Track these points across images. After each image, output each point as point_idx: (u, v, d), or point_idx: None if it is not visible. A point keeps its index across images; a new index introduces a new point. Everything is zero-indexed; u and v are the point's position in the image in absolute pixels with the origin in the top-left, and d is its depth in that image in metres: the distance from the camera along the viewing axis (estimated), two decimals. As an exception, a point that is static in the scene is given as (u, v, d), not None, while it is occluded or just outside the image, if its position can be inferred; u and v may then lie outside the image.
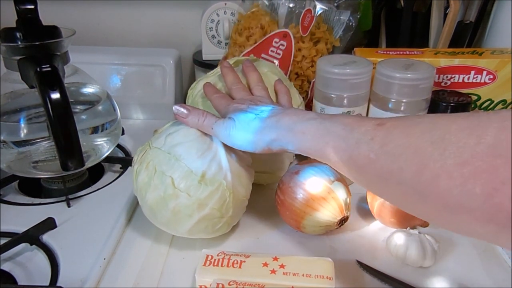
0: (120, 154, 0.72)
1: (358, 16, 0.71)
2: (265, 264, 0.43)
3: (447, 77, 0.64)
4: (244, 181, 0.49)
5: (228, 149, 0.48)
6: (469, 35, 0.77)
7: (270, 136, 0.43)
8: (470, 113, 0.30)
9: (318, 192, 0.49)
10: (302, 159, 0.62)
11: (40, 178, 0.63)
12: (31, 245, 0.50)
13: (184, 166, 0.45)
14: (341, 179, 0.52)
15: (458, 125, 0.29)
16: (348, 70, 0.55)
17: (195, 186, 0.45)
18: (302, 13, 0.68)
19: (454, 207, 0.28)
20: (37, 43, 0.51)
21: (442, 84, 0.64)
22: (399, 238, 0.48)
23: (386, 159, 0.32)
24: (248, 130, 0.44)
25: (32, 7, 0.51)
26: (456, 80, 0.64)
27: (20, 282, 0.46)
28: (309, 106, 0.66)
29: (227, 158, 0.47)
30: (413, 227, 0.51)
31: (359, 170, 0.35)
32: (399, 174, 0.31)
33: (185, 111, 0.47)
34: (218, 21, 0.79)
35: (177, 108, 0.48)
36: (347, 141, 0.36)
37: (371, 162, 0.33)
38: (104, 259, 0.48)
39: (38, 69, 0.48)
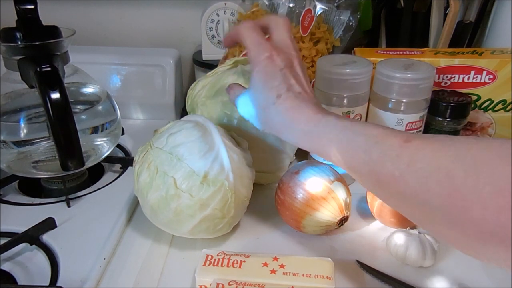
0: (120, 154, 0.72)
1: (358, 16, 0.72)
2: (265, 264, 0.43)
3: (447, 77, 0.64)
4: (246, 181, 0.49)
5: (230, 149, 0.48)
6: (469, 35, 0.77)
7: (280, 130, 0.42)
8: (504, 140, 0.29)
9: (318, 192, 0.49)
10: (302, 159, 0.62)
11: (40, 178, 0.63)
12: (31, 245, 0.50)
13: (186, 167, 0.45)
14: (341, 179, 0.52)
15: (492, 152, 0.28)
16: (348, 70, 0.55)
17: (197, 186, 0.45)
18: (302, 13, 0.68)
19: (486, 236, 0.27)
20: (37, 43, 0.51)
21: (442, 84, 0.64)
22: (399, 238, 0.48)
23: (412, 179, 0.31)
24: (263, 110, 0.43)
25: (32, 7, 0.51)
26: (456, 80, 0.64)
27: (20, 282, 0.46)
28: (309, 106, 0.66)
29: (229, 159, 0.47)
30: (413, 227, 0.51)
31: (381, 185, 0.34)
32: (425, 196, 0.30)
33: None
34: (218, 21, 0.79)
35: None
36: (370, 154, 0.34)
37: (395, 179, 0.32)
38: (104, 259, 0.48)
39: (38, 69, 0.48)
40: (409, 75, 0.55)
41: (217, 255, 0.44)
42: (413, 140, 0.33)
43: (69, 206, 0.57)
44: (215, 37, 0.81)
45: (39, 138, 0.56)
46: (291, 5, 0.69)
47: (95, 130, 0.59)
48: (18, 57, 0.51)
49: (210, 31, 0.81)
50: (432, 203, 0.30)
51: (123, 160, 0.68)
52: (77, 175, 0.63)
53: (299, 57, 0.45)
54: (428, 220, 0.32)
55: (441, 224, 0.30)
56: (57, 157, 0.49)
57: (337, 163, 0.38)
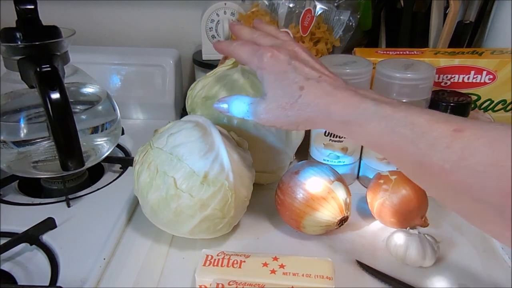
0: (120, 154, 0.72)
1: (358, 16, 0.72)
2: (265, 264, 0.43)
3: (447, 77, 0.63)
4: (246, 181, 0.49)
5: (230, 149, 0.48)
6: (469, 35, 0.77)
7: (314, 120, 0.39)
8: None
9: (318, 192, 0.49)
10: (302, 159, 0.62)
11: (40, 178, 0.63)
12: (31, 245, 0.50)
13: (186, 167, 0.45)
14: (341, 179, 0.52)
15: None
16: (348, 70, 0.55)
17: (197, 186, 0.45)
18: (302, 13, 0.68)
19: None
20: (37, 43, 0.51)
21: (442, 84, 0.64)
22: (399, 238, 0.48)
23: (464, 173, 0.29)
24: (288, 110, 0.39)
25: (32, 7, 0.51)
26: (456, 80, 0.63)
27: (20, 282, 0.46)
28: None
29: (229, 159, 0.47)
30: (413, 227, 0.51)
31: (427, 178, 0.32)
32: (479, 193, 0.28)
33: (225, 107, 0.45)
34: (218, 21, 0.79)
35: (218, 106, 0.45)
36: (417, 145, 0.32)
37: (444, 172, 0.30)
38: (104, 259, 0.48)
39: (38, 69, 0.48)
40: (409, 75, 0.54)
41: (217, 255, 0.44)
42: (465, 130, 0.30)
43: (69, 206, 0.57)
44: (215, 37, 0.81)
45: (39, 138, 0.56)
46: (291, 5, 0.69)
47: (95, 130, 0.59)
48: (18, 57, 0.51)
49: (210, 31, 0.80)
50: (487, 201, 0.28)
51: (123, 160, 0.68)
52: (77, 175, 0.63)
53: (300, 45, 0.43)
54: (480, 218, 0.31)
55: (496, 223, 0.29)
56: (57, 157, 0.49)
57: (379, 152, 0.36)
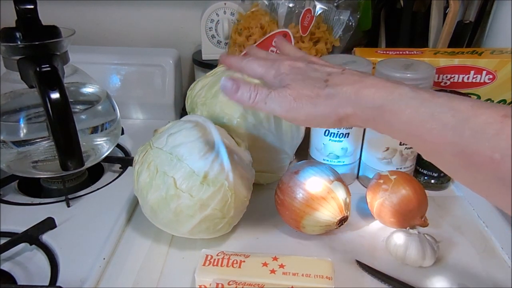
0: (120, 154, 0.72)
1: (358, 16, 0.71)
2: (265, 264, 0.43)
3: (446, 77, 0.63)
4: (246, 181, 0.49)
5: (230, 149, 0.48)
6: (468, 35, 0.77)
7: (345, 110, 0.35)
8: None
9: (318, 192, 0.49)
10: (302, 159, 0.62)
11: (39, 178, 0.63)
12: (30, 245, 0.50)
13: (186, 167, 0.45)
14: (341, 179, 0.52)
15: None
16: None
17: (197, 186, 0.45)
18: (302, 13, 0.68)
19: None
20: (36, 43, 0.51)
21: (442, 84, 0.64)
22: (399, 238, 0.48)
23: None
24: (314, 100, 0.36)
25: (32, 7, 0.51)
26: (455, 80, 0.63)
27: (20, 282, 0.46)
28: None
29: (229, 159, 0.47)
30: (412, 227, 0.51)
31: (471, 170, 0.30)
32: None
33: (234, 85, 0.39)
34: (218, 21, 0.79)
35: (224, 84, 0.39)
36: (459, 132, 0.29)
37: (493, 162, 0.28)
38: (104, 259, 0.48)
39: (37, 69, 0.48)
40: (408, 75, 0.54)
41: (217, 255, 0.44)
42: None
43: (68, 206, 0.57)
44: (215, 37, 0.81)
45: (38, 138, 0.56)
46: (290, 5, 0.69)
47: (94, 130, 0.59)
48: (18, 57, 0.51)
49: (209, 31, 0.80)
50: None
51: (123, 160, 0.68)
52: (76, 175, 0.63)
53: (313, 57, 0.43)
54: None
55: None
56: (56, 157, 0.49)
57: (414, 143, 0.34)
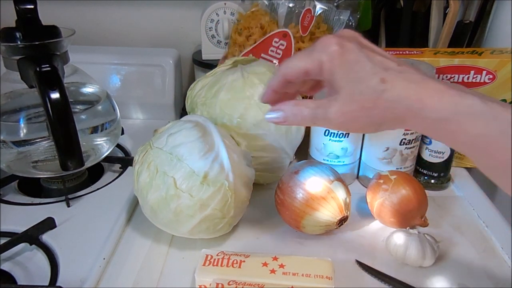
0: (120, 154, 0.72)
1: (358, 16, 0.71)
2: (265, 264, 0.43)
3: (446, 77, 0.63)
4: (246, 181, 0.49)
5: (230, 149, 0.48)
6: (468, 35, 0.77)
7: (404, 121, 0.33)
8: None
9: (318, 191, 0.49)
10: (302, 159, 0.62)
11: (39, 178, 0.63)
12: (30, 245, 0.50)
13: (186, 167, 0.45)
14: (341, 179, 0.52)
15: None
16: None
17: (197, 186, 0.45)
18: (302, 13, 0.68)
19: None
20: (36, 43, 0.51)
21: (442, 84, 0.64)
22: (399, 238, 0.48)
23: None
24: (371, 112, 0.33)
25: (32, 7, 0.51)
26: (455, 80, 0.63)
27: (20, 282, 0.46)
28: (308, 106, 0.66)
29: (229, 159, 0.47)
30: (412, 227, 0.51)
31: None
32: None
33: (280, 115, 0.37)
34: (218, 21, 0.79)
35: (270, 117, 0.38)
36: None
37: None
38: (104, 259, 0.48)
39: (37, 69, 0.48)
40: None
41: (217, 255, 0.44)
42: None
43: (68, 206, 0.57)
44: (215, 37, 0.81)
45: (38, 138, 0.56)
46: (290, 5, 0.69)
47: (94, 130, 0.59)
48: (18, 57, 0.51)
49: (209, 31, 0.80)
50: None
51: (123, 160, 0.68)
52: (76, 175, 0.63)
53: (361, 35, 0.37)
54: None
55: None
56: (56, 157, 0.49)
57: (480, 159, 0.31)
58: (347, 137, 0.59)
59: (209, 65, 0.80)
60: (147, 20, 0.92)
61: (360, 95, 0.33)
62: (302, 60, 0.36)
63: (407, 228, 0.50)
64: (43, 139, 0.56)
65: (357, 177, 0.65)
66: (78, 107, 0.59)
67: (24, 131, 0.55)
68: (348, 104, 0.34)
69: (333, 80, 0.34)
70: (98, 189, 0.61)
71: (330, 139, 0.59)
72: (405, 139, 0.58)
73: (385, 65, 0.33)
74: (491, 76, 0.62)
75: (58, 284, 0.44)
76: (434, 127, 0.32)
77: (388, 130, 0.35)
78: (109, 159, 0.66)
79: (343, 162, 0.61)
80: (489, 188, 0.64)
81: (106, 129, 0.60)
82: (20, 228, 0.51)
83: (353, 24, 0.71)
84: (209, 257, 0.44)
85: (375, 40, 0.83)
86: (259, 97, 0.41)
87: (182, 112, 0.85)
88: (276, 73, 0.38)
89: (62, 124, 0.48)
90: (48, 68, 0.49)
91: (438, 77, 0.63)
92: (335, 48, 0.34)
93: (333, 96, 0.35)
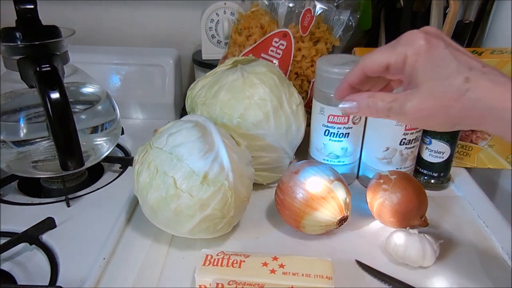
0: (120, 154, 0.72)
1: (358, 16, 0.71)
2: (265, 264, 0.43)
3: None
4: (246, 181, 0.49)
5: (230, 149, 0.48)
6: (468, 35, 0.77)
7: (482, 123, 0.33)
8: None
9: (318, 191, 0.49)
10: (302, 159, 0.62)
11: (39, 178, 0.63)
12: (30, 245, 0.50)
13: (186, 167, 0.45)
14: (341, 179, 0.52)
15: None
16: (347, 70, 0.55)
17: (197, 186, 0.45)
18: (302, 13, 0.68)
19: None
20: (36, 43, 0.51)
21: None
22: (399, 238, 0.48)
23: None
24: (449, 110, 0.33)
25: (32, 7, 0.51)
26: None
27: (20, 282, 0.46)
28: (308, 106, 0.66)
29: (229, 159, 0.47)
30: (412, 227, 0.51)
31: None
32: None
33: (354, 105, 0.38)
34: (218, 20, 0.79)
35: (343, 106, 0.39)
36: None
37: None
38: (104, 259, 0.48)
39: (37, 69, 0.48)
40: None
41: (217, 255, 0.44)
42: None
43: (68, 206, 0.57)
44: (215, 37, 0.81)
45: (38, 138, 0.56)
46: (290, 5, 0.69)
47: (94, 130, 0.59)
48: (18, 57, 0.51)
49: (209, 31, 0.80)
50: None
51: (123, 160, 0.68)
52: (76, 175, 0.63)
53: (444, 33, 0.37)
54: None
55: None
56: (56, 157, 0.49)
57: None
58: (347, 137, 0.59)
59: (209, 65, 0.80)
60: (147, 20, 0.92)
61: (442, 93, 0.33)
62: (385, 54, 0.36)
63: (407, 228, 0.50)
64: (43, 139, 0.56)
65: (357, 177, 0.65)
66: (78, 107, 0.59)
67: (24, 131, 0.55)
68: (427, 100, 0.34)
69: (414, 75, 0.34)
70: (98, 189, 0.61)
71: (330, 139, 0.59)
72: (405, 139, 0.58)
73: (470, 65, 0.33)
74: (491, 76, 0.62)
75: (58, 284, 0.44)
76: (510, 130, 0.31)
77: (462, 129, 0.34)
78: (109, 159, 0.66)
79: (343, 162, 0.61)
80: (489, 188, 0.64)
81: (106, 129, 0.60)
82: (20, 228, 0.51)
83: (353, 24, 0.71)
84: (209, 257, 0.44)
85: (375, 40, 0.83)
86: (334, 91, 0.41)
87: (182, 112, 0.85)
88: (353, 68, 0.38)
89: (62, 124, 0.48)
90: (48, 68, 0.49)
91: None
92: (422, 42, 0.34)
93: (412, 91, 0.34)
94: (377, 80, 0.41)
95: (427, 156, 0.62)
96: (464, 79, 0.32)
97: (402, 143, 0.58)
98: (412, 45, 0.34)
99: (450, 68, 0.33)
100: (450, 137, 0.60)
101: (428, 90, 0.34)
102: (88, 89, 0.62)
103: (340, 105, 0.39)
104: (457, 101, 0.32)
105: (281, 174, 0.55)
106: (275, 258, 0.43)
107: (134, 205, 0.58)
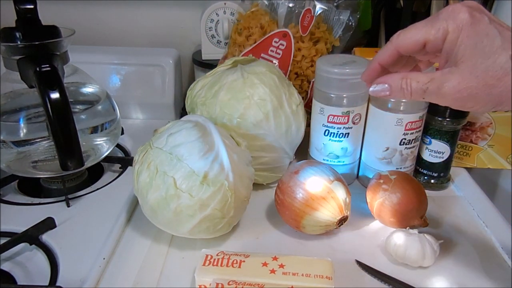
0: (120, 154, 0.72)
1: (358, 16, 0.71)
2: (265, 264, 0.43)
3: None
4: (246, 181, 0.49)
5: (230, 149, 0.48)
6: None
7: None
8: None
9: (318, 191, 0.49)
10: (302, 159, 0.62)
11: (39, 178, 0.63)
12: (30, 245, 0.50)
13: (186, 167, 0.45)
14: (341, 179, 0.52)
15: None
16: (347, 70, 0.55)
17: (197, 186, 0.45)
18: (302, 13, 0.68)
19: None
20: (36, 43, 0.51)
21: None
22: (399, 238, 0.48)
23: None
24: (490, 90, 0.31)
25: (32, 7, 0.51)
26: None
27: (20, 282, 0.46)
28: (308, 106, 0.66)
29: (229, 159, 0.47)
30: (412, 227, 0.51)
31: None
32: None
33: (385, 88, 0.36)
34: (218, 20, 0.79)
35: (374, 89, 0.37)
36: None
37: None
38: (104, 259, 0.48)
39: (37, 69, 0.48)
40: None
41: (217, 255, 0.44)
42: None
43: (68, 206, 0.57)
44: (215, 37, 0.81)
45: (38, 138, 0.56)
46: (290, 5, 0.69)
47: (94, 130, 0.59)
48: (18, 57, 0.51)
49: (209, 31, 0.80)
50: None
51: (123, 160, 0.68)
52: (76, 175, 0.63)
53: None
54: None
55: None
56: (56, 157, 0.49)
57: None
58: (347, 137, 0.59)
59: (209, 65, 0.80)
60: (147, 20, 0.92)
61: (484, 71, 0.31)
62: (423, 30, 0.34)
63: (407, 228, 0.50)
64: (43, 139, 0.56)
65: (357, 177, 0.65)
66: (78, 107, 0.59)
67: (24, 131, 0.55)
68: (468, 79, 0.31)
69: (455, 52, 0.32)
70: (98, 189, 0.61)
71: (330, 139, 0.59)
72: (405, 139, 0.58)
73: None
74: (491, 76, 0.62)
75: (58, 284, 0.44)
76: None
77: (502, 110, 0.32)
78: (109, 159, 0.66)
79: (343, 162, 0.61)
80: (489, 188, 0.64)
81: (106, 129, 0.60)
82: (20, 228, 0.51)
83: (353, 24, 0.71)
84: (209, 257, 0.44)
85: (375, 40, 0.83)
86: (362, 73, 0.39)
87: (182, 112, 0.85)
88: (385, 46, 0.36)
89: (62, 124, 0.48)
90: (48, 68, 0.49)
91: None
92: (465, 16, 0.31)
93: (452, 69, 0.32)
94: (407, 61, 0.39)
95: (427, 156, 0.62)
96: (509, 56, 0.30)
97: (402, 143, 0.58)
98: (454, 19, 0.32)
99: (495, 45, 0.31)
100: (450, 137, 0.60)
101: (469, 69, 0.31)
102: (88, 89, 0.62)
103: (371, 89, 0.37)
104: (500, 80, 0.30)
105: (281, 174, 0.55)
106: (275, 258, 0.43)
107: (134, 205, 0.58)
